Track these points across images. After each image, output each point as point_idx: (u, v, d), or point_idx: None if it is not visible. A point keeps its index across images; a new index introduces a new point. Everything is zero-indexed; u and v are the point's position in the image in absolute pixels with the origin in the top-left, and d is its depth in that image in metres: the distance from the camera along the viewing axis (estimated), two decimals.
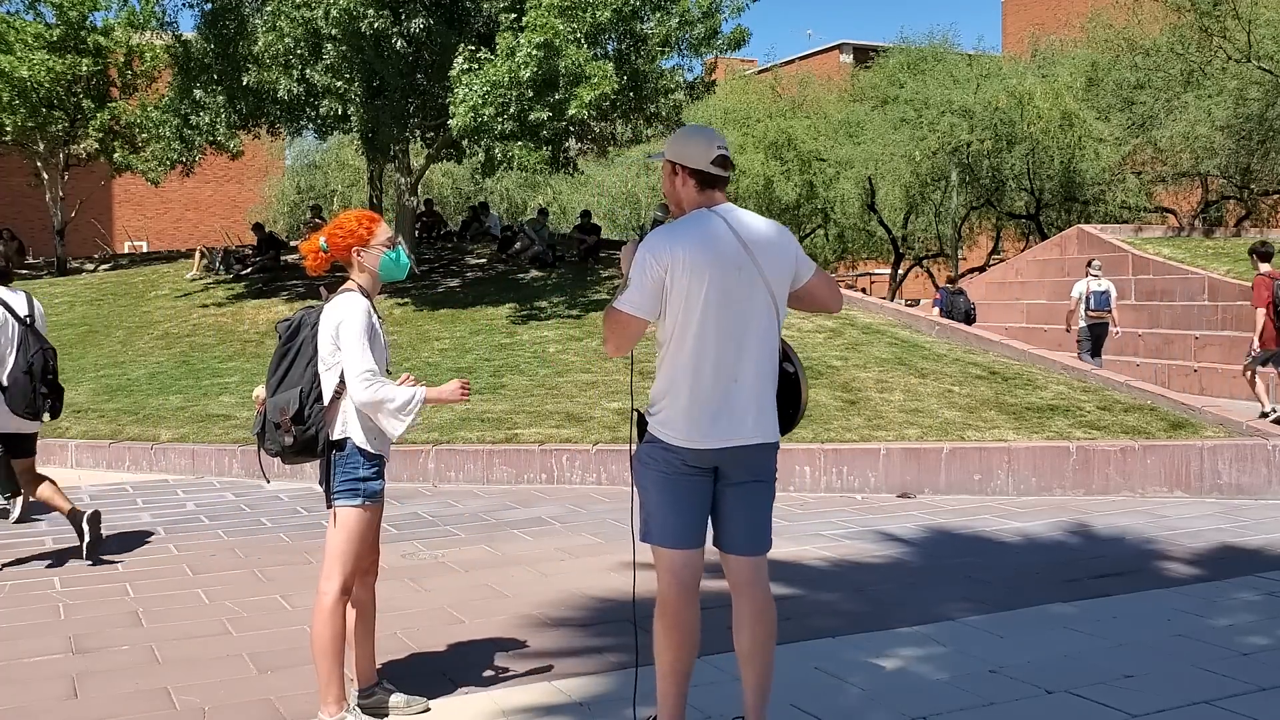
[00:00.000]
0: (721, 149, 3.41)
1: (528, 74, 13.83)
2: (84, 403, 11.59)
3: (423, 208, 23.81)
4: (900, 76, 31.56)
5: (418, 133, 18.40)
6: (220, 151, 19.73)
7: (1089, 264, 15.21)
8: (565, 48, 13.96)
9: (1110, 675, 4.35)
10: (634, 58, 15.63)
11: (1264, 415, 11.22)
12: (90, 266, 23.98)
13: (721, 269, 3.31)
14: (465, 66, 14.46)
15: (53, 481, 6.56)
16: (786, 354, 3.56)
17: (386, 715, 3.98)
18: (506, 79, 13.88)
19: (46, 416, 6.36)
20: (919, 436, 8.89)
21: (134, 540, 7.10)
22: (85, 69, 21.97)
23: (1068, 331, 15.04)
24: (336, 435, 3.78)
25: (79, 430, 10.60)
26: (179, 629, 5.13)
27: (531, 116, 14.09)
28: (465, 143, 15.28)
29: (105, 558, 6.53)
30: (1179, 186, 27.61)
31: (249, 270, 19.81)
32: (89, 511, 6.46)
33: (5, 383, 6.19)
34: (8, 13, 22.15)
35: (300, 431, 3.74)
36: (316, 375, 3.78)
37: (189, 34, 18.65)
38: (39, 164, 23.33)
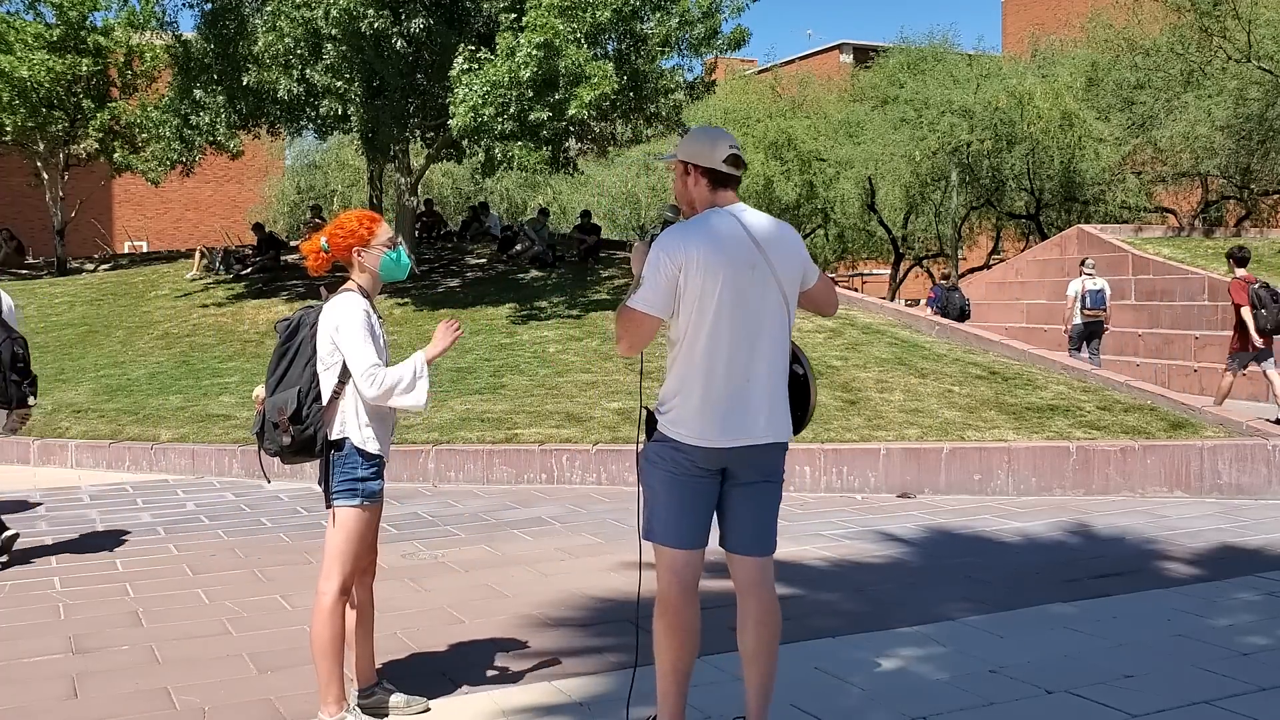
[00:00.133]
0: (733, 148, 3.43)
1: (528, 74, 13.83)
2: (84, 403, 11.59)
3: (423, 208, 23.80)
4: (900, 76, 31.54)
5: (418, 133, 18.40)
6: (220, 151, 19.73)
7: (1083, 263, 15.31)
8: (565, 48, 13.96)
9: (1110, 675, 4.35)
10: (634, 58, 15.63)
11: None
12: (90, 266, 23.98)
13: (735, 268, 3.32)
14: (465, 66, 14.46)
15: None
16: (796, 356, 3.57)
17: (386, 715, 3.98)
18: (506, 79, 13.88)
19: (32, 400, 6.38)
20: (919, 436, 8.89)
21: (134, 540, 7.10)
22: (85, 69, 21.97)
23: (1067, 330, 15.09)
24: (335, 435, 3.78)
25: (79, 430, 10.60)
26: (179, 629, 5.13)
27: (531, 116, 14.09)
28: (465, 143, 15.28)
29: (104, 557, 6.54)
30: (1179, 186, 27.61)
31: (249, 270, 19.81)
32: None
33: None
34: (8, 13, 22.15)
35: (298, 431, 3.74)
36: (315, 375, 3.78)
37: (189, 34, 18.64)
38: (39, 164, 23.33)
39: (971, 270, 30.95)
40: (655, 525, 3.45)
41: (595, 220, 23.30)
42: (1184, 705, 4.03)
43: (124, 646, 4.88)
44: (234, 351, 14.02)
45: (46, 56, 21.18)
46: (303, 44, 15.28)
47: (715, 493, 3.45)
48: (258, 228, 21.86)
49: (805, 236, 33.24)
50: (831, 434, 8.97)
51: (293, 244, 22.50)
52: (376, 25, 14.67)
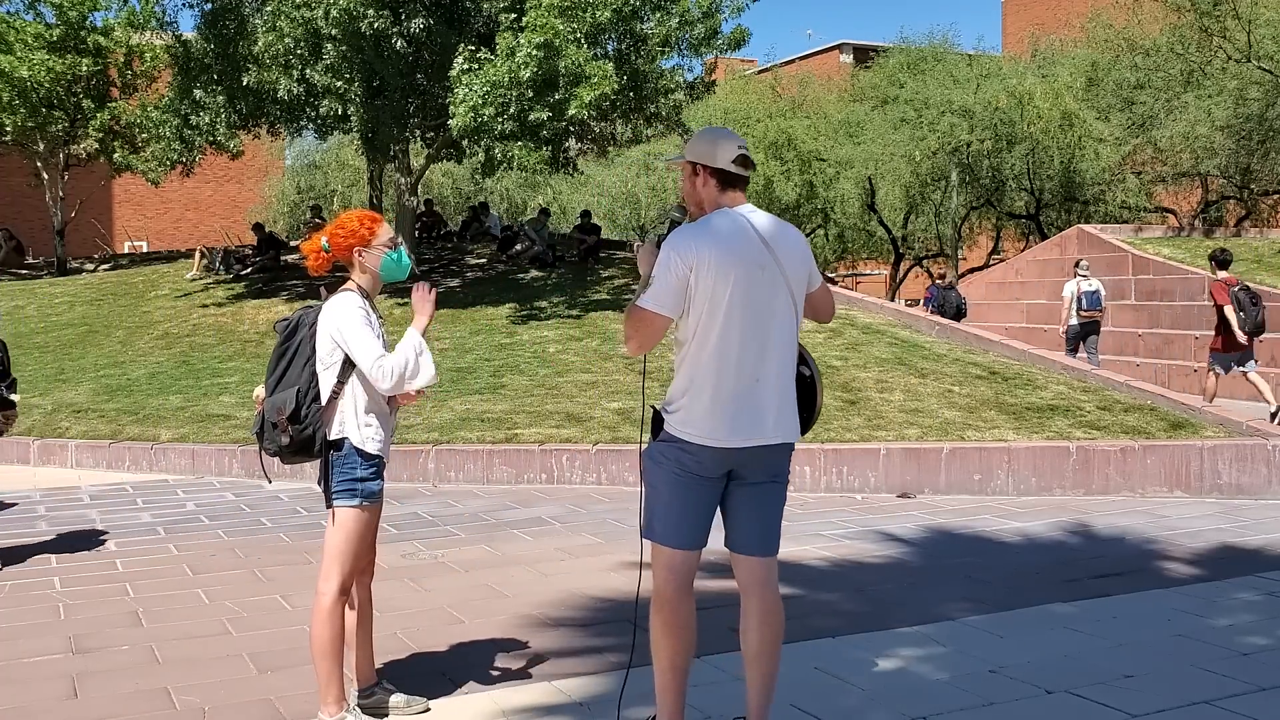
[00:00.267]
0: (742, 148, 3.44)
1: (528, 74, 13.83)
2: (84, 403, 11.59)
3: (423, 208, 23.81)
4: (900, 76, 31.55)
5: (418, 133, 18.40)
6: (220, 151, 19.73)
7: (1077, 264, 15.38)
8: (565, 48, 13.96)
9: (1110, 675, 4.35)
10: (634, 58, 15.63)
11: (1273, 416, 11.36)
12: (90, 266, 23.98)
13: (745, 269, 3.33)
14: (465, 66, 14.46)
15: None
16: (803, 357, 3.57)
17: (386, 715, 3.98)
18: (506, 79, 13.88)
19: (15, 397, 6.39)
20: (919, 436, 8.89)
21: (134, 540, 7.10)
22: (85, 69, 21.98)
23: (1063, 331, 15.14)
24: (334, 435, 3.77)
25: (79, 430, 10.60)
26: (179, 629, 5.13)
27: (531, 116, 14.09)
28: (465, 143, 15.28)
29: (103, 555, 6.54)
30: (1179, 186, 27.61)
31: (249, 270, 19.81)
32: None
33: None
34: (8, 13, 22.15)
35: (297, 431, 3.74)
36: (314, 375, 3.78)
37: (189, 34, 18.64)
38: (39, 164, 23.33)
39: (971, 270, 30.93)
40: (655, 524, 3.45)
41: (595, 220, 23.30)
42: (1184, 705, 4.03)
43: (124, 646, 4.88)
44: (234, 351, 14.02)
45: (46, 56, 21.18)
46: (303, 44, 15.28)
47: (718, 496, 3.46)
48: (258, 228, 21.86)
49: (805, 236, 33.21)
50: (831, 434, 8.97)
51: (293, 244, 22.50)
52: (376, 25, 14.67)
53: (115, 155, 22.85)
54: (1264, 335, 12.30)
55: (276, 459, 3.87)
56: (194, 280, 20.00)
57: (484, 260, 19.95)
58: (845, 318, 13.47)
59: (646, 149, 29.82)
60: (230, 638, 5.00)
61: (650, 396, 4.08)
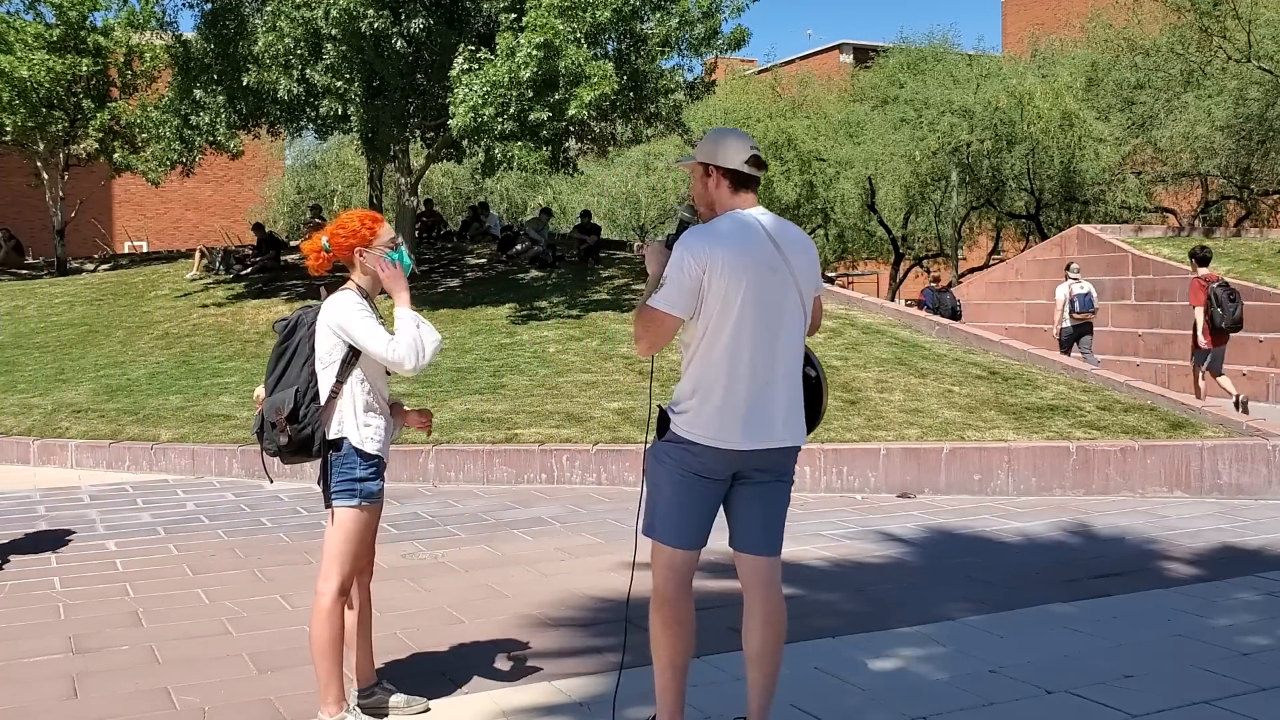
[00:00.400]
0: (754, 149, 3.44)
1: (528, 74, 13.83)
2: (84, 403, 11.59)
3: (423, 208, 23.80)
4: (900, 76, 31.55)
5: (418, 133, 18.40)
6: (220, 151, 19.73)
7: (1068, 267, 15.43)
8: (565, 48, 13.96)
9: (1110, 675, 4.35)
10: (634, 58, 15.63)
11: (1237, 405, 11.52)
12: (90, 266, 23.98)
13: (757, 271, 3.33)
14: (465, 66, 14.46)
15: None
16: (809, 359, 3.58)
17: (386, 715, 3.98)
18: (506, 79, 13.87)
19: None
20: (919, 436, 8.89)
21: (134, 540, 7.10)
22: (85, 69, 21.98)
23: (1057, 334, 15.15)
24: (333, 435, 3.77)
25: (79, 430, 10.60)
26: (179, 629, 5.13)
27: (531, 116, 14.09)
28: (465, 143, 15.28)
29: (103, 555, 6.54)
30: (1179, 186, 27.61)
31: (249, 270, 19.81)
32: None
33: None
34: (8, 13, 22.15)
35: (295, 431, 3.73)
36: (313, 374, 3.78)
37: (189, 34, 18.64)
38: (39, 164, 23.33)
39: (971, 270, 30.93)
40: (657, 522, 3.46)
41: (595, 220, 23.31)
42: (1184, 705, 4.03)
43: (124, 646, 4.88)
44: (234, 351, 14.02)
45: (46, 56, 21.17)
46: (303, 44, 15.28)
47: (721, 497, 3.47)
48: (258, 228, 21.86)
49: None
50: (831, 434, 8.96)
51: (293, 244, 22.50)
52: (376, 25, 14.67)
53: (115, 155, 22.85)
54: (1263, 336, 12.37)
55: (277, 459, 3.87)
56: (194, 280, 20.00)
57: (484, 260, 19.95)
58: (845, 318, 13.47)
59: (646, 149, 29.83)
60: (230, 638, 5.00)
61: (653, 396, 4.07)
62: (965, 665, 4.49)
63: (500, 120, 14.15)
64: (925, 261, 35.89)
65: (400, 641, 4.88)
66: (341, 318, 3.72)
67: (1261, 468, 8.56)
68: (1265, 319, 14.46)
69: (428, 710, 4.03)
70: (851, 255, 37.31)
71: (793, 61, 53.86)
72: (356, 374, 3.77)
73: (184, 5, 18.85)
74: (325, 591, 3.74)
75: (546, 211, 21.02)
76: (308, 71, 15.52)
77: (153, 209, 44.44)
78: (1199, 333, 12.27)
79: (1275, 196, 26.48)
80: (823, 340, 12.02)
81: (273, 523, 7.62)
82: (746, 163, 3.42)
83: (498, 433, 9.41)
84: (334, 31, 14.68)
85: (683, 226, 3.48)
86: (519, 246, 19.42)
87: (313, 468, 3.94)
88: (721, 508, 3.52)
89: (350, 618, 3.91)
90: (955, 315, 16.53)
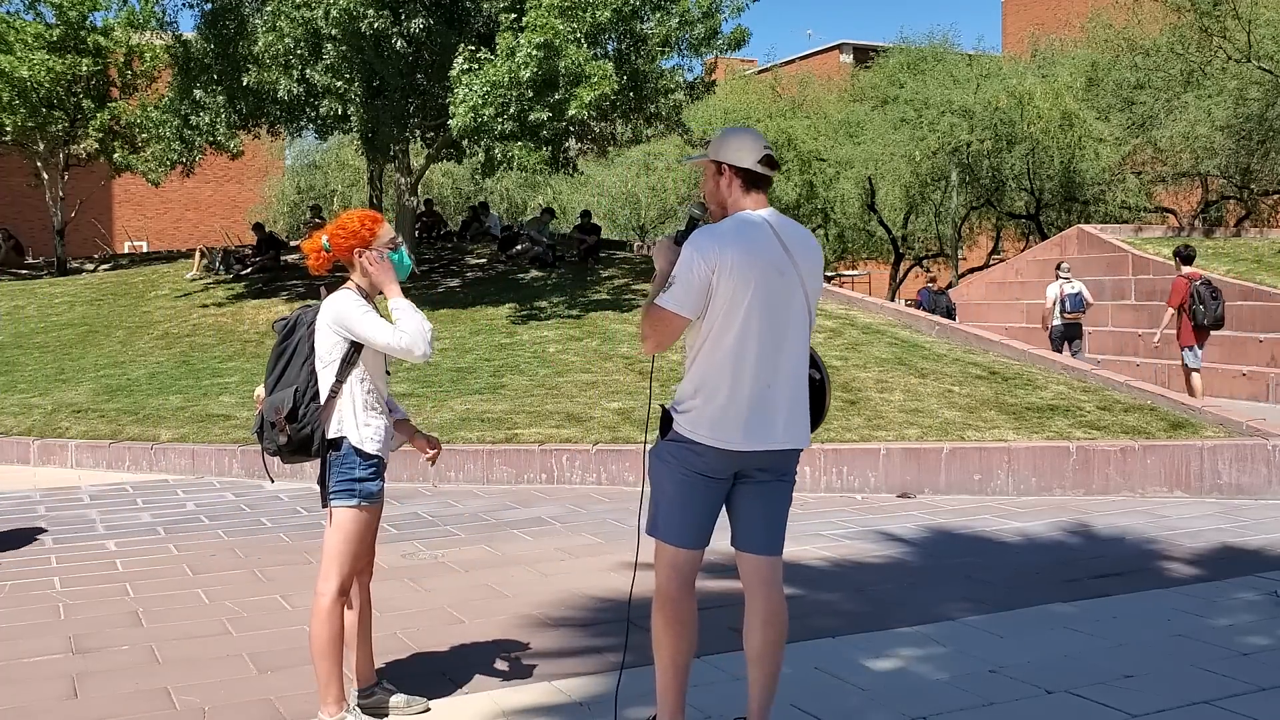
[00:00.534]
0: (767, 149, 3.44)
1: (528, 74, 13.83)
2: (84, 403, 11.59)
3: (423, 208, 23.80)
4: (900, 76, 31.55)
5: (418, 133, 18.40)
6: (220, 151, 19.73)
7: (1058, 267, 15.45)
8: (565, 48, 13.96)
9: (1110, 675, 4.35)
10: (634, 58, 15.63)
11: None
12: (90, 266, 23.98)
13: (765, 274, 3.33)
14: (465, 66, 14.46)
15: None
16: (813, 360, 3.58)
17: (386, 715, 3.98)
18: (506, 79, 13.87)
19: None
20: (919, 436, 8.89)
21: (134, 540, 7.10)
22: (85, 69, 21.97)
23: (1046, 330, 15.17)
24: (332, 434, 3.77)
25: (79, 430, 10.60)
26: (179, 629, 5.13)
27: (531, 117, 14.09)
28: (465, 143, 15.28)
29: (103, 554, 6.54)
30: (1179, 186, 27.61)
31: (249, 270, 19.81)
32: None
33: None
34: (8, 13, 22.14)
35: (295, 430, 3.73)
36: (313, 374, 3.78)
37: (189, 34, 18.64)
38: (39, 164, 23.32)
39: (971, 270, 30.92)
40: (660, 522, 3.46)
41: (595, 220, 23.31)
42: (1184, 705, 4.03)
43: (124, 646, 4.88)
44: (234, 351, 14.02)
45: (46, 56, 21.17)
46: (303, 44, 15.28)
47: (723, 496, 3.47)
48: (258, 228, 21.86)
49: None
50: (831, 434, 8.96)
51: (293, 244, 22.50)
52: (376, 25, 14.67)
53: (115, 155, 22.84)
54: (1263, 336, 12.40)
55: (277, 459, 3.87)
56: (194, 280, 20.00)
57: (484, 260, 19.95)
58: (845, 318, 13.47)
59: (646, 149, 29.83)
60: (230, 638, 5.00)
61: (653, 396, 4.07)
62: (965, 665, 4.49)
63: (500, 120, 14.15)
64: (925, 261, 35.90)
65: (400, 641, 4.88)
66: (342, 314, 3.72)
67: (1261, 468, 8.56)
68: (1265, 319, 14.46)
69: (428, 710, 4.03)
70: (851, 255, 37.31)
71: (793, 61, 53.86)
72: (356, 373, 3.77)
73: (184, 5, 18.87)
74: (325, 592, 3.74)
75: (549, 211, 21.01)
76: (308, 71, 15.52)
77: (153, 209, 44.44)
78: (1158, 330, 12.71)
79: (1275, 196, 26.48)
80: (823, 340, 12.02)
81: (273, 523, 7.62)
82: (759, 162, 3.41)
83: (498, 433, 9.41)
84: (334, 31, 14.68)
85: (692, 223, 3.47)
86: (519, 246, 19.42)
87: (313, 468, 3.94)
88: (724, 507, 3.53)
89: (350, 618, 3.91)
90: (950, 317, 16.54)
